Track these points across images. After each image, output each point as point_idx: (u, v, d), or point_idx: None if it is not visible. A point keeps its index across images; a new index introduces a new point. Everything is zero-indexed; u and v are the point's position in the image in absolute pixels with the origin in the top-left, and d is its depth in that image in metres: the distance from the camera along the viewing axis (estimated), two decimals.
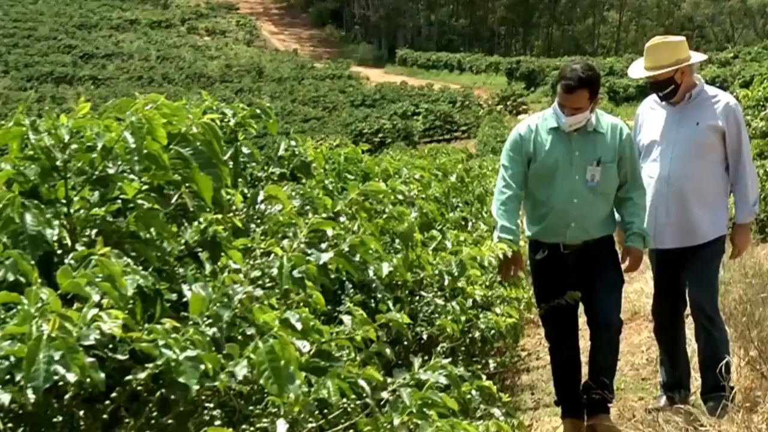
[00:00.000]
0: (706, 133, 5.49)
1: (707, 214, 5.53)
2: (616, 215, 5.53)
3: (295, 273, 2.88)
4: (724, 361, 5.13)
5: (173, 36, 78.75)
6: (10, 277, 2.23)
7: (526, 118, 5.66)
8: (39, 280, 2.19)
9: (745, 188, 5.52)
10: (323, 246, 3.14)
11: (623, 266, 5.50)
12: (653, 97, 5.72)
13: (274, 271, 2.90)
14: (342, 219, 3.62)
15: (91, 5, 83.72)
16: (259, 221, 3.46)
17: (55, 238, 2.41)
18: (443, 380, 3.02)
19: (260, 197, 3.43)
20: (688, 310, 5.74)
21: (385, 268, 3.71)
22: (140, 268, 2.37)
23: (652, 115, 5.74)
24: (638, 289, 9.41)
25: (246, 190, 3.69)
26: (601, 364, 5.40)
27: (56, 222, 2.41)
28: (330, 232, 3.20)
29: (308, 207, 3.84)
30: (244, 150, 3.48)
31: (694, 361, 5.79)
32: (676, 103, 5.59)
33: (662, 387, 6.00)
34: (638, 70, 5.65)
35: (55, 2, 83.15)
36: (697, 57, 5.62)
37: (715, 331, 5.46)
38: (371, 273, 3.74)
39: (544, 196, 5.36)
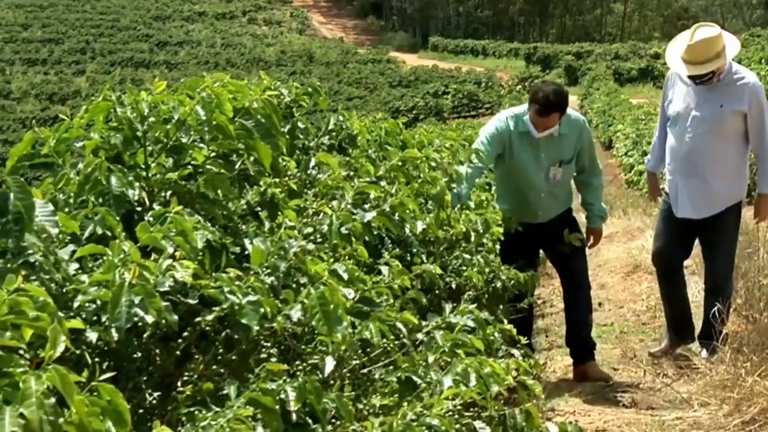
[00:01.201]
0: (728, 115, 5.22)
1: (722, 187, 5.33)
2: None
3: (343, 230, 2.88)
4: (714, 308, 5.05)
5: (236, 26, 78.46)
6: (99, 231, 2.25)
7: (502, 113, 5.51)
8: (123, 234, 2.20)
9: None
10: (366, 206, 3.14)
11: (588, 244, 5.62)
12: None
13: (324, 228, 2.89)
14: (383, 183, 3.59)
15: None
16: (310, 185, 3.45)
17: (136, 198, 2.42)
18: (470, 323, 3.01)
19: (312, 163, 3.42)
20: (687, 262, 5.66)
21: (420, 226, 3.68)
22: (208, 224, 2.38)
23: (680, 86, 5.40)
24: (639, 246, 9.33)
25: (300, 158, 3.67)
26: (581, 318, 5.50)
27: (137, 184, 2.43)
28: (372, 194, 3.19)
29: (353, 173, 3.82)
30: (299, 124, 3.48)
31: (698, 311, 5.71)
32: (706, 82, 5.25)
33: (667, 320, 5.92)
34: (678, 63, 5.26)
35: None
36: (732, 48, 5.20)
37: (722, 294, 5.23)
38: (408, 230, 3.72)
39: (514, 187, 5.42)
